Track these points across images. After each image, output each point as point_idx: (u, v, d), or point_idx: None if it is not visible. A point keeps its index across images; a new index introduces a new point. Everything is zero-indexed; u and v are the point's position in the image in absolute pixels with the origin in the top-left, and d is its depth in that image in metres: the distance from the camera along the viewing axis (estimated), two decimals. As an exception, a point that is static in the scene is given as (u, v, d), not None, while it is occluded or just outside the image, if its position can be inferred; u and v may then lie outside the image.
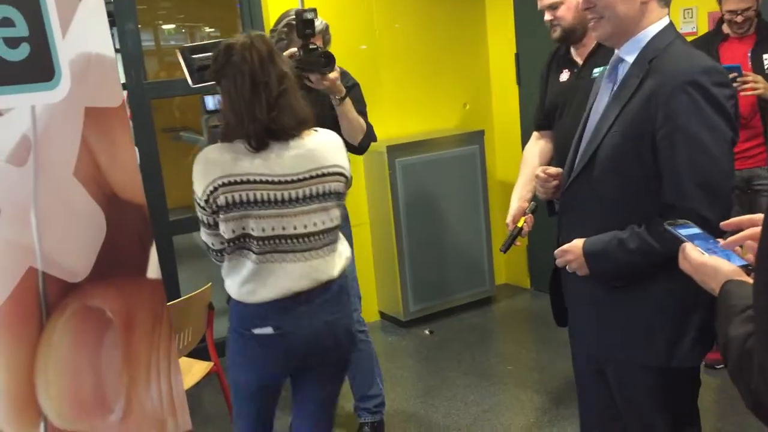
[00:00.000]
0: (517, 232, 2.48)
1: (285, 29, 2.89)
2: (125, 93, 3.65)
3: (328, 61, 2.70)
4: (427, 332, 4.31)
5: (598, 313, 1.89)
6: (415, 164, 4.28)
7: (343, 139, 2.82)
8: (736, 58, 3.16)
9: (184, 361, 2.90)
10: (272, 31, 3.01)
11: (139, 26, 7.31)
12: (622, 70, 1.81)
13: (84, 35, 1.12)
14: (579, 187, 1.86)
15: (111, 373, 1.07)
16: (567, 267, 1.87)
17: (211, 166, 1.82)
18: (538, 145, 2.80)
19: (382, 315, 4.54)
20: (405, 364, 3.98)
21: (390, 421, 3.22)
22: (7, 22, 1.02)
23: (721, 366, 3.44)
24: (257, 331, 1.93)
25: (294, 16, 2.83)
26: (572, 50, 2.66)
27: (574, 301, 1.98)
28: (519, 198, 2.62)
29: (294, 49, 2.77)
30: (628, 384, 1.87)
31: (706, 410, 2.91)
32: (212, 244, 1.95)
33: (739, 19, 3.13)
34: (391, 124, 4.37)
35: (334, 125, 2.85)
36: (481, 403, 3.38)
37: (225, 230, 1.85)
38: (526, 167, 2.75)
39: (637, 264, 1.74)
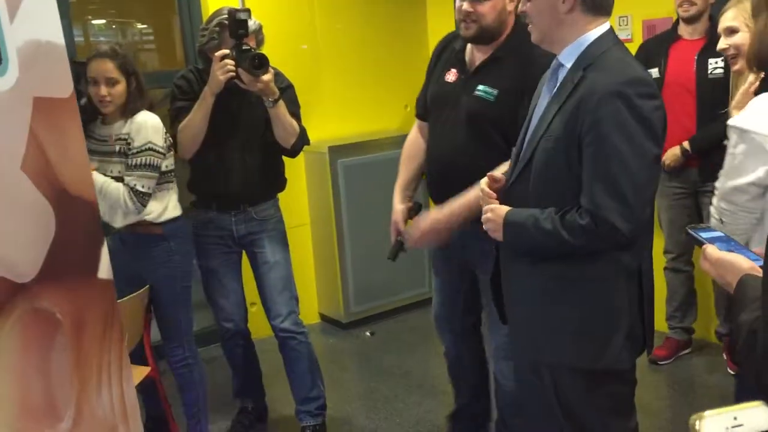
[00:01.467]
0: (402, 240, 2.50)
1: (217, 28, 2.82)
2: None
3: (261, 62, 2.68)
4: (368, 334, 4.29)
5: (531, 315, 1.93)
6: (356, 165, 4.26)
7: (276, 141, 2.88)
8: (684, 59, 3.26)
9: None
10: (203, 29, 2.92)
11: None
12: (561, 75, 1.85)
13: (32, 21, 1.06)
14: (516, 189, 1.91)
15: (60, 378, 1.01)
16: (484, 226, 1.93)
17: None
18: (419, 140, 2.65)
19: (323, 317, 4.51)
20: (346, 365, 3.96)
21: (332, 424, 3.20)
22: (-50, 6, 0.96)
23: (666, 362, 3.56)
24: None
25: (226, 15, 2.78)
26: (469, 48, 2.45)
27: (510, 301, 2.02)
28: (402, 198, 2.58)
29: (226, 51, 2.74)
30: (561, 385, 1.92)
31: (646, 406, 3.01)
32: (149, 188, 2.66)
33: (685, 6, 3.21)
34: (333, 125, 4.35)
35: (266, 127, 2.86)
36: (422, 403, 3.38)
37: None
38: (409, 163, 2.65)
39: (543, 245, 1.81)
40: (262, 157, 2.92)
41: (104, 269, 1.12)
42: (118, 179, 2.66)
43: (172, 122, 2.90)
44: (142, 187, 2.65)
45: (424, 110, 2.60)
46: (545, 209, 1.80)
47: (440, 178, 2.49)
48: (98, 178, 2.63)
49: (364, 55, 4.44)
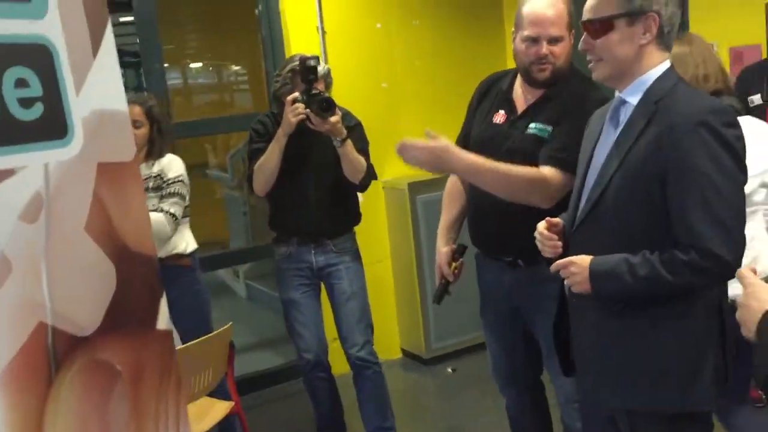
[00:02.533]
0: (447, 282, 2.49)
1: (289, 74, 3.05)
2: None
3: (329, 105, 2.89)
4: (449, 370, 4.27)
5: (607, 360, 1.85)
6: (436, 201, 4.23)
7: (345, 176, 3.04)
8: None
9: (205, 401, 2.91)
10: (276, 75, 3.16)
11: (166, 65, 7.45)
12: (625, 112, 1.82)
13: (97, 92, 1.15)
14: (586, 231, 1.85)
15: (119, 427, 1.08)
16: (566, 281, 1.84)
17: None
18: (461, 182, 2.61)
19: (404, 352, 4.52)
20: (427, 402, 3.95)
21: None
22: (22, 83, 1.05)
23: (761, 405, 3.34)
24: None
25: (298, 62, 3.01)
26: (517, 90, 2.43)
27: (583, 347, 1.94)
28: (446, 241, 2.55)
29: (296, 94, 2.95)
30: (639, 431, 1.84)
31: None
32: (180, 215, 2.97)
33: None
34: (412, 161, 4.39)
35: (336, 164, 3.03)
36: (504, 443, 3.33)
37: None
38: (451, 205, 2.63)
39: (643, 291, 1.72)
40: (336, 192, 3.10)
41: (163, 320, 1.19)
42: (152, 212, 2.94)
43: (249, 162, 3.12)
44: (176, 212, 2.98)
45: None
46: (635, 254, 1.72)
47: (485, 222, 2.45)
48: None
49: (442, 92, 4.47)
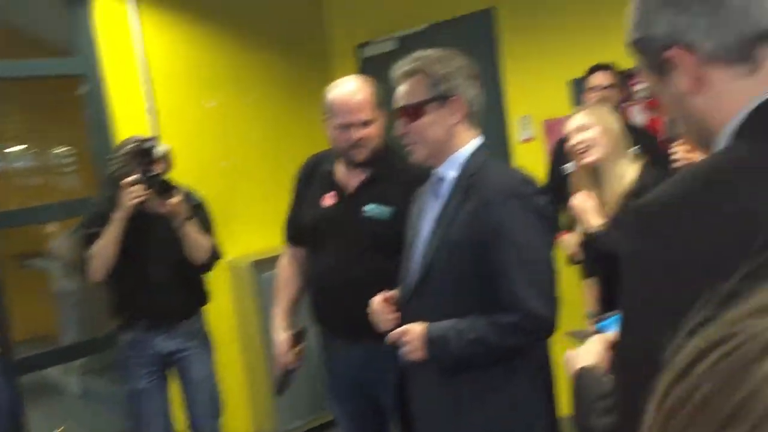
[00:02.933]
0: (290, 370, 2.42)
1: (126, 156, 2.97)
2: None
3: (167, 187, 2.88)
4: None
5: (443, 421, 1.89)
6: (280, 277, 4.23)
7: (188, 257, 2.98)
8: None
9: None
10: (111, 158, 3.09)
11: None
12: (445, 187, 1.92)
13: None
14: (418, 301, 1.92)
15: None
16: (402, 350, 1.88)
17: None
18: (294, 264, 2.59)
19: (257, 435, 4.35)
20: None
21: None
22: None
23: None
24: None
25: (134, 145, 2.96)
26: (340, 171, 2.43)
27: (417, 411, 1.98)
28: (284, 328, 2.50)
29: (134, 177, 2.88)
30: None
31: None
32: None
33: (599, 95, 3.30)
34: (256, 238, 4.33)
35: (180, 244, 2.98)
36: None
37: None
38: (286, 289, 2.58)
39: (473, 354, 1.80)
40: (181, 272, 3.03)
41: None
42: None
43: (83, 248, 2.99)
44: None
45: (297, 235, 2.55)
46: (465, 318, 1.79)
47: (330, 300, 2.41)
48: None
49: (281, 165, 4.46)
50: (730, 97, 0.90)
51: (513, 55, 3.93)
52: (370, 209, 2.35)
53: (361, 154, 2.33)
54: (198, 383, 3.12)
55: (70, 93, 4.25)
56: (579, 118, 2.57)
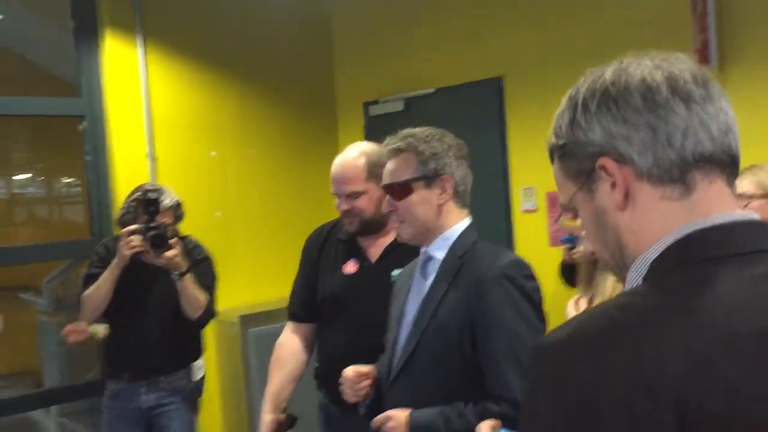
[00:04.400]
0: None
1: (133, 203, 2.97)
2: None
3: (162, 242, 2.82)
4: None
5: None
6: (268, 334, 4.08)
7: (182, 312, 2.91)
8: None
9: None
10: (124, 203, 3.06)
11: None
12: (433, 267, 1.87)
13: None
14: (401, 383, 1.84)
15: None
16: None
17: None
18: (293, 342, 2.45)
19: (233, 497, 4.19)
20: None
21: None
22: None
23: None
24: None
25: (141, 193, 2.95)
26: (361, 240, 2.37)
27: None
28: (272, 408, 2.34)
29: (134, 226, 2.86)
30: None
31: None
32: None
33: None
34: (245, 292, 4.24)
35: (177, 297, 2.91)
36: None
37: None
38: (280, 369, 2.42)
39: None
40: (174, 327, 2.96)
41: None
42: None
43: (84, 286, 2.98)
44: None
45: (306, 310, 2.44)
46: (450, 405, 1.71)
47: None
48: None
49: (276, 221, 4.42)
50: (657, 218, 0.84)
51: (519, 124, 3.87)
52: (398, 275, 2.27)
53: (351, 225, 2.30)
54: None
55: (75, 129, 4.23)
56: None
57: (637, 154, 0.83)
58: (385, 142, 1.95)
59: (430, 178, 1.83)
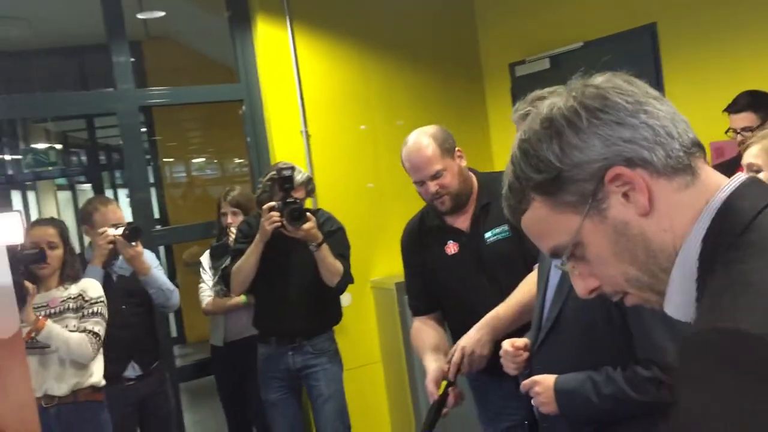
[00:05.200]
0: (441, 403, 2.11)
1: (269, 183, 3.18)
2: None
3: (300, 215, 3.02)
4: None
5: None
6: (424, 300, 4.19)
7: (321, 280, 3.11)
8: None
9: None
10: (259, 182, 3.31)
11: (173, 160, 7.55)
12: None
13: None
14: (548, 349, 1.81)
15: None
16: (533, 401, 1.80)
17: None
18: (427, 325, 2.45)
19: (398, 458, 4.34)
20: None
21: None
22: None
23: None
24: None
25: (274, 172, 3.15)
26: (448, 219, 2.44)
27: None
28: (436, 358, 2.27)
29: (272, 203, 3.06)
30: None
31: None
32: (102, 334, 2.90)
33: (739, 138, 3.09)
34: (399, 261, 4.30)
35: (315, 266, 3.12)
36: None
37: None
38: (428, 334, 2.40)
39: (608, 409, 1.68)
40: (314, 293, 3.16)
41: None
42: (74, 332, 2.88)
43: (231, 261, 3.26)
44: (99, 331, 2.89)
45: (428, 304, 2.49)
46: (598, 370, 1.68)
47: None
48: (59, 330, 2.82)
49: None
50: (682, 208, 0.81)
51: (676, 73, 3.61)
52: (491, 235, 2.38)
53: (444, 204, 2.38)
54: (326, 399, 3.24)
55: (236, 113, 4.51)
56: (750, 154, 2.18)
57: (648, 152, 0.80)
58: (515, 107, 1.91)
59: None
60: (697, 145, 0.84)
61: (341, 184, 4.13)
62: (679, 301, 0.82)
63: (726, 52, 3.41)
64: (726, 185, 0.81)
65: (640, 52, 3.73)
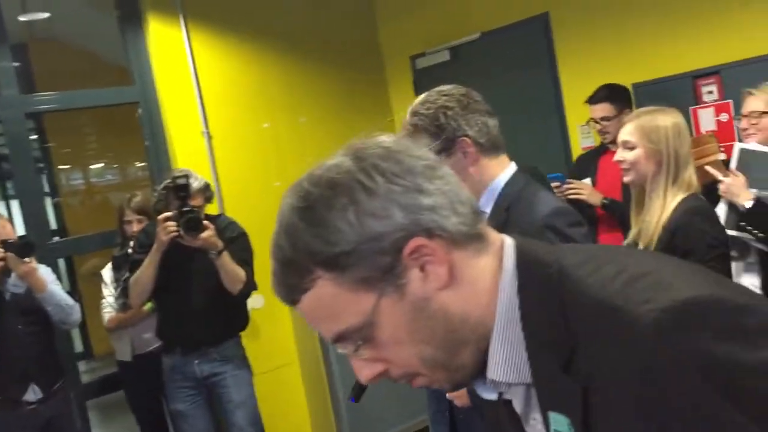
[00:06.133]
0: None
1: (164, 191, 3.11)
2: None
3: (195, 225, 2.96)
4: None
5: None
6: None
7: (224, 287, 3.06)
8: (611, 169, 3.20)
9: None
10: (155, 190, 3.23)
11: (69, 167, 7.20)
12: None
13: None
14: None
15: None
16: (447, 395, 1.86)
17: None
18: None
19: (320, 457, 4.32)
20: None
21: None
22: None
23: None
24: None
25: (170, 180, 3.07)
26: None
27: None
28: None
29: (168, 213, 3.00)
30: None
31: None
32: None
33: (598, 127, 3.33)
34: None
35: (216, 274, 3.05)
36: None
37: None
38: None
39: None
40: (218, 300, 3.10)
41: None
42: None
43: (130, 272, 3.17)
44: None
45: None
46: None
47: None
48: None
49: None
50: (481, 277, 0.77)
51: (569, 61, 3.72)
52: None
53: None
54: (236, 405, 3.20)
55: (133, 116, 4.33)
56: (624, 132, 2.29)
57: (445, 219, 0.74)
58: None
59: (446, 149, 1.77)
60: (479, 210, 0.80)
61: (247, 184, 4.05)
62: (502, 357, 0.77)
63: (617, 38, 3.53)
64: (507, 243, 0.80)
65: (534, 42, 3.82)
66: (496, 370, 0.77)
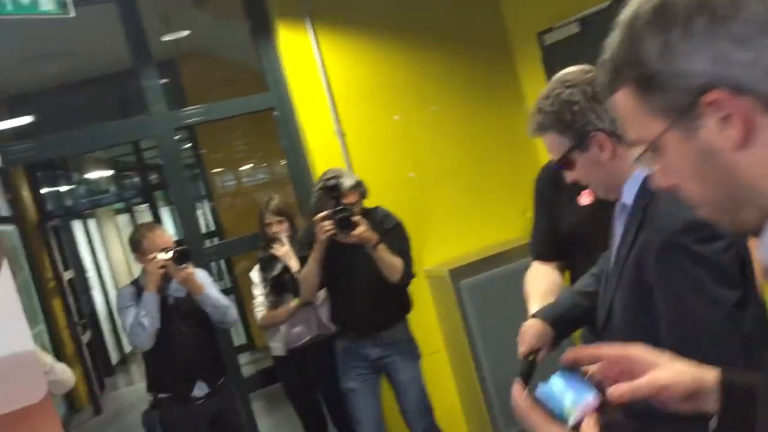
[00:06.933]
0: (532, 357, 1.97)
1: (319, 192, 3.29)
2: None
3: (347, 224, 3.12)
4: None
5: None
6: (479, 284, 4.13)
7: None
8: None
9: None
10: (312, 194, 3.43)
11: (222, 170, 7.65)
12: (626, 215, 1.68)
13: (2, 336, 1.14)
14: (606, 340, 1.71)
15: None
16: None
17: None
18: (543, 269, 2.37)
19: (473, 444, 4.33)
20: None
21: None
22: None
23: None
24: None
25: (322, 182, 3.26)
26: None
27: None
28: (541, 303, 2.14)
29: (322, 214, 3.18)
30: None
31: None
32: None
33: None
34: (450, 246, 4.28)
35: (375, 267, 3.21)
36: None
37: None
38: (541, 280, 2.31)
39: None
40: (381, 288, 3.27)
41: None
42: None
43: (300, 269, 3.43)
44: None
45: (551, 249, 2.40)
46: None
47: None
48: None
49: (471, 170, 4.36)
50: None
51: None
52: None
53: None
54: (405, 385, 3.42)
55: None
56: None
57: (763, 81, 0.69)
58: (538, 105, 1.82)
59: (580, 145, 1.67)
60: None
61: (381, 177, 4.09)
62: None
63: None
64: None
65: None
66: (763, 247, 0.77)
